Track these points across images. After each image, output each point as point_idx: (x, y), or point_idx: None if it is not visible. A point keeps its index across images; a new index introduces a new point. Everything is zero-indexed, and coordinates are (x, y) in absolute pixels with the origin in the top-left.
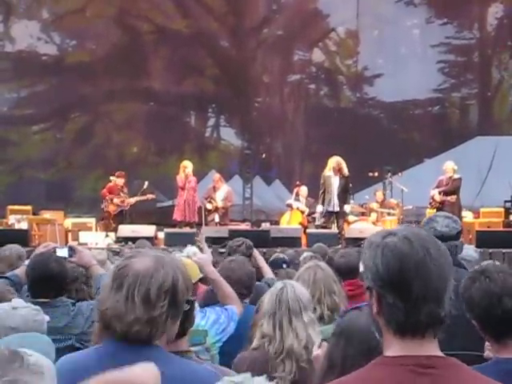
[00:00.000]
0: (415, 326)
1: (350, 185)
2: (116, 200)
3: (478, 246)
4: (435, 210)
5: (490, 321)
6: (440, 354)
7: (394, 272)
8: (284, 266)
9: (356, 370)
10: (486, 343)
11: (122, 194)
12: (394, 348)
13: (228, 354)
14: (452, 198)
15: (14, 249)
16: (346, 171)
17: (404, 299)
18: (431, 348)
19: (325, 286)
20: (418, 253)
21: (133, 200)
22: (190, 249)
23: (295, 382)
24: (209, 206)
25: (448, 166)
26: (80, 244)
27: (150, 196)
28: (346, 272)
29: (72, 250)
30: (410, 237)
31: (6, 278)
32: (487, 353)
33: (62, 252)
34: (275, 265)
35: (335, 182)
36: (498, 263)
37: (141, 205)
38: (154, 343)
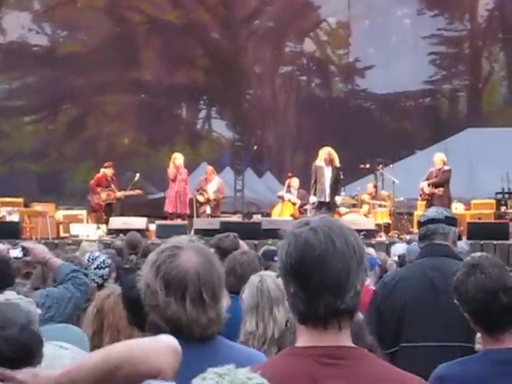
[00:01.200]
0: (314, 317)
1: (342, 176)
2: (103, 194)
3: (469, 238)
4: (425, 202)
5: (484, 315)
6: (351, 344)
7: (295, 262)
8: (275, 258)
9: (267, 360)
10: (477, 335)
11: (112, 186)
12: (302, 338)
13: None
14: (439, 191)
15: None
16: (337, 162)
17: (303, 289)
18: (341, 339)
19: None
20: (321, 245)
21: (120, 194)
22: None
23: None
24: (200, 198)
25: (437, 157)
26: (72, 236)
27: (137, 191)
28: None
29: (25, 248)
30: (317, 227)
31: None
32: (478, 346)
33: (15, 253)
34: (266, 257)
35: (327, 173)
36: (490, 255)
37: (131, 197)
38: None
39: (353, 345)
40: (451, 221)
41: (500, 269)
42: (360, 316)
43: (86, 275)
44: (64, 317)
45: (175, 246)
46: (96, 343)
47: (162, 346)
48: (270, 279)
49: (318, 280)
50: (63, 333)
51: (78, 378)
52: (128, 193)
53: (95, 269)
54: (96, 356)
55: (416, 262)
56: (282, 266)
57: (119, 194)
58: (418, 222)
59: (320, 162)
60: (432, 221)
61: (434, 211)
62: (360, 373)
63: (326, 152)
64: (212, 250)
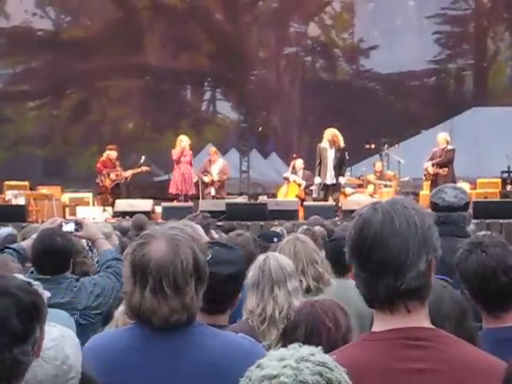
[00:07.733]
0: (377, 299)
1: (347, 157)
2: (112, 175)
3: (474, 217)
4: (430, 183)
5: (483, 293)
6: (428, 325)
7: (353, 242)
8: (275, 239)
9: (347, 345)
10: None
11: (117, 168)
12: (378, 323)
13: None
14: (444, 171)
15: None
16: (341, 143)
17: (363, 270)
18: (411, 322)
19: (306, 256)
20: (379, 223)
21: (128, 173)
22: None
23: None
24: (205, 179)
25: (441, 137)
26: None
27: (144, 168)
28: None
29: (78, 224)
30: (379, 207)
31: (13, 249)
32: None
33: (68, 227)
34: (266, 238)
35: (331, 155)
36: (494, 234)
37: (138, 179)
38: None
39: (430, 325)
40: (468, 205)
41: (502, 248)
42: (459, 298)
43: None
44: (108, 305)
45: (149, 234)
46: None
47: None
48: (274, 260)
49: (377, 260)
50: (51, 317)
51: None
52: (135, 170)
53: None
54: None
55: None
56: (347, 248)
57: (127, 173)
58: (434, 203)
59: (324, 143)
60: (451, 208)
61: (453, 196)
62: (442, 352)
63: (329, 133)
64: (183, 228)
